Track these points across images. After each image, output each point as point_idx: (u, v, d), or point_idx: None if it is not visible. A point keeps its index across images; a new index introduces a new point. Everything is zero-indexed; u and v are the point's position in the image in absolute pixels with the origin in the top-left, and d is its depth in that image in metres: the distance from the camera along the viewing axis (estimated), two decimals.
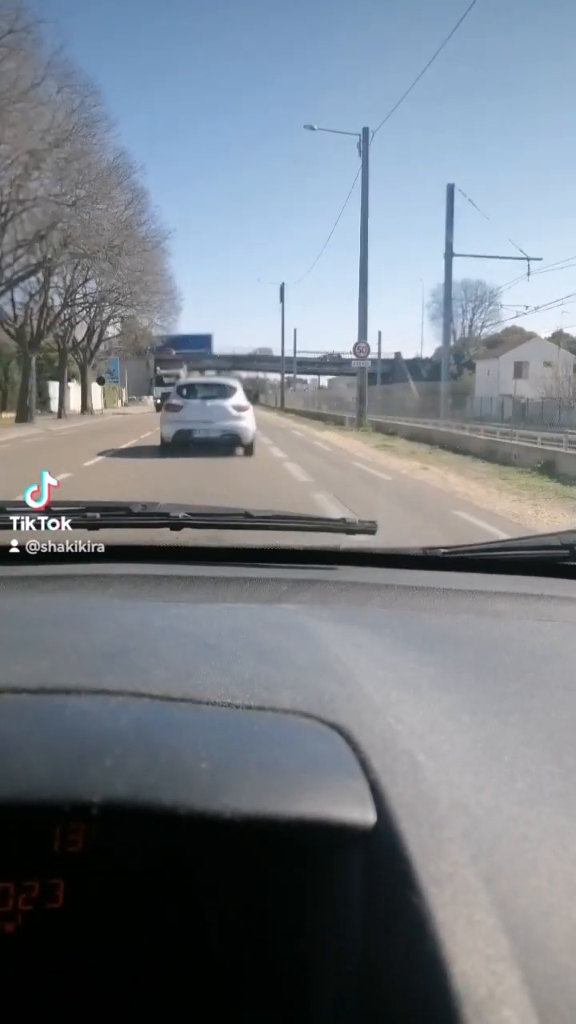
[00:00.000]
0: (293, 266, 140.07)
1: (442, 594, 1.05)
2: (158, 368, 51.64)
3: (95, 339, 44.46)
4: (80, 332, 41.27)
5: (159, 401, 38.63)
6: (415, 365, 73.30)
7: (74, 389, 42.33)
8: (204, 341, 70.11)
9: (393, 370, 69.89)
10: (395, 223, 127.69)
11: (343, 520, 1.30)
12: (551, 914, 0.41)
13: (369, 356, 24.81)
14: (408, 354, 75.50)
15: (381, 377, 70.96)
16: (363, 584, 1.09)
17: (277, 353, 73.44)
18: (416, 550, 1.23)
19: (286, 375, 72.39)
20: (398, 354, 73.36)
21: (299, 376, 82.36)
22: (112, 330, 46.38)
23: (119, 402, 60.83)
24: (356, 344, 24.70)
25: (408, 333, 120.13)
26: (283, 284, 55.27)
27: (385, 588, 1.07)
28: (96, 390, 49.19)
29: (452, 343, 76.19)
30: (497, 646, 0.83)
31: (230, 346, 76.30)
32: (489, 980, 0.37)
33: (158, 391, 42.40)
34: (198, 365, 70.48)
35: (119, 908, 0.49)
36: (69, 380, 42.38)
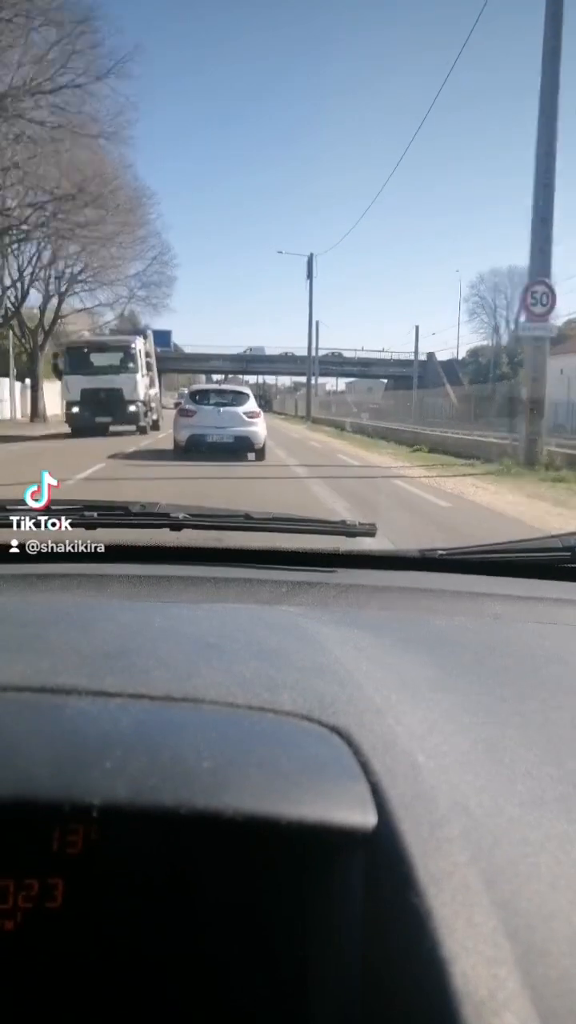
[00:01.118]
0: (292, 266, 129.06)
1: (441, 596, 1.05)
2: (92, 334, 26.92)
3: (49, 312, 30.82)
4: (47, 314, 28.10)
5: (76, 407, 20.15)
6: (450, 367, 60.94)
7: (49, 388, 29.47)
8: (164, 337, 59.40)
9: (425, 373, 57.99)
10: (420, 210, 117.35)
11: (343, 522, 1.29)
12: (552, 918, 0.41)
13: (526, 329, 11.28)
14: (440, 355, 63.23)
15: (405, 380, 58.44)
16: (363, 586, 1.09)
17: (269, 351, 61.74)
18: (415, 552, 1.22)
19: (298, 378, 60.48)
20: (431, 355, 61.03)
21: (299, 379, 70.73)
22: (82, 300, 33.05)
23: None
24: (529, 287, 11.37)
25: (440, 333, 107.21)
26: (312, 255, 39.47)
27: (384, 590, 1.07)
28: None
29: (498, 341, 63.88)
30: (497, 648, 0.83)
31: (212, 346, 65.53)
32: (490, 983, 0.37)
33: (76, 383, 20.18)
34: (203, 367, 61.69)
35: (120, 908, 0.49)
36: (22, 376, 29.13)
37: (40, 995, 0.48)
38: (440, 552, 1.18)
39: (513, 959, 0.38)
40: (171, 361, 65.31)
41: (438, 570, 1.19)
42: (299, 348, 61.17)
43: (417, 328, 54.86)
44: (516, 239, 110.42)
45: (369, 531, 1.25)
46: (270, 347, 63.71)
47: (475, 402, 41.52)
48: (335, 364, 60.56)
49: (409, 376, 59.87)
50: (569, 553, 1.14)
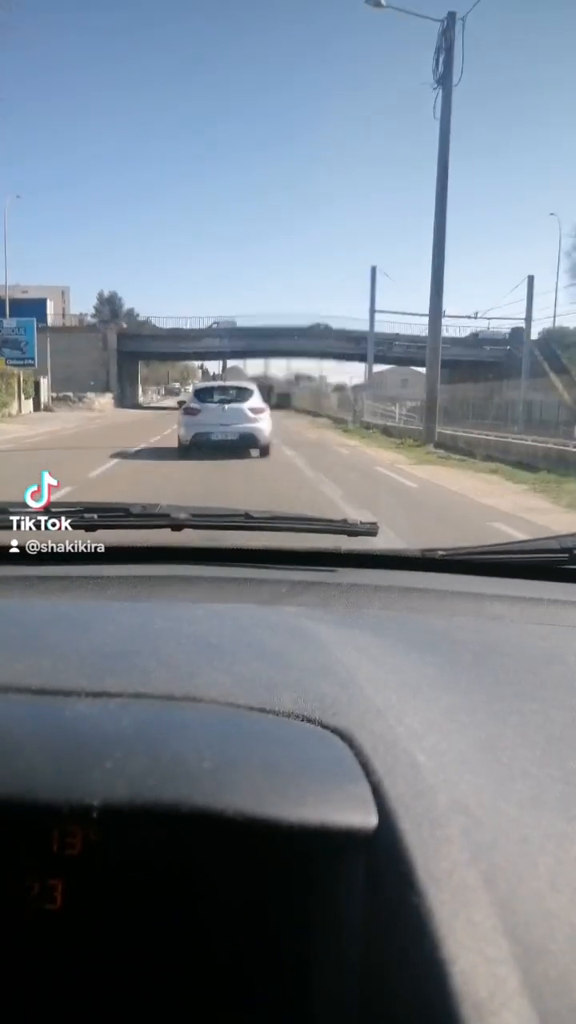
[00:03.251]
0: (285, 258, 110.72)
1: (442, 596, 1.06)
2: None
3: None
4: None
5: None
6: (548, 349, 39.74)
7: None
8: (39, 308, 42.69)
9: (508, 355, 37.88)
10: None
11: (344, 521, 1.29)
12: (551, 917, 0.41)
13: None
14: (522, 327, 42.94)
15: (488, 367, 37.53)
16: (363, 586, 1.09)
17: (241, 324, 46.13)
18: (416, 552, 1.23)
19: (298, 364, 43.34)
20: (516, 331, 41.12)
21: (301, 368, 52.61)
22: None
23: (23, 403, 28.90)
24: None
25: (514, 304, 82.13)
26: (452, 16, 14.26)
27: (385, 590, 1.08)
28: None
29: None
30: (496, 649, 0.84)
31: (200, 316, 48.41)
32: (490, 982, 0.37)
33: None
34: (195, 347, 48.12)
35: (120, 909, 0.50)
36: None
37: (41, 998, 0.49)
38: (441, 552, 1.20)
39: (512, 958, 0.38)
40: (149, 340, 47.14)
41: (439, 570, 1.20)
42: (274, 318, 43.19)
43: (531, 279, 34.52)
44: None
45: (370, 530, 1.26)
46: (241, 318, 46.66)
47: None
48: (390, 342, 41.56)
49: (472, 361, 39.52)
50: (567, 554, 1.15)
